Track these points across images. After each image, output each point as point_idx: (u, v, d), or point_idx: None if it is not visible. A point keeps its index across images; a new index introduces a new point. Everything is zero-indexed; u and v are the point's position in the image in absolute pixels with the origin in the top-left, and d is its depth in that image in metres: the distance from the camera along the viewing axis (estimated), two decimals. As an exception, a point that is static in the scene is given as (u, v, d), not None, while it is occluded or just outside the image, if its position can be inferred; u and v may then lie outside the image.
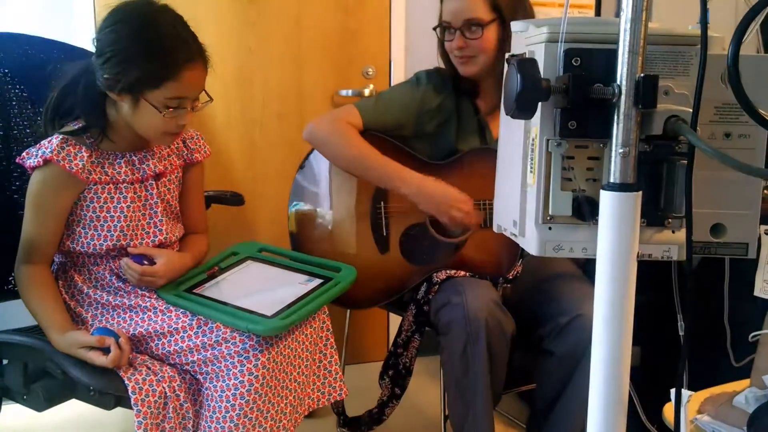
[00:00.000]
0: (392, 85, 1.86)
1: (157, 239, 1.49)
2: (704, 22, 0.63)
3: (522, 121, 0.74)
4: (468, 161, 1.73)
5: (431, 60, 2.61)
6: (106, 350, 1.28)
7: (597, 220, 0.68)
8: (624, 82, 0.64)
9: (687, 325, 0.74)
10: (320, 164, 1.80)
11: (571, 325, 1.59)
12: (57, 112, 1.40)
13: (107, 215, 1.42)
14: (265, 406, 1.34)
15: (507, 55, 0.82)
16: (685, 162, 0.66)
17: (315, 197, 1.80)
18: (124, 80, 1.30)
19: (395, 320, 2.77)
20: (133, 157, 1.45)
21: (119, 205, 1.43)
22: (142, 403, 1.27)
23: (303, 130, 1.74)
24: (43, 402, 1.44)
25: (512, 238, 0.81)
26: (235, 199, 1.91)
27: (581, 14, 3.02)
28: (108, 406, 1.41)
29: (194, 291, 1.47)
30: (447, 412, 1.72)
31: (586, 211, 0.69)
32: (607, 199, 0.66)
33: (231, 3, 2.35)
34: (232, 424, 1.31)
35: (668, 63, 0.69)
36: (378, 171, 1.67)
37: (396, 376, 1.71)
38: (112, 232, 1.42)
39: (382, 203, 1.74)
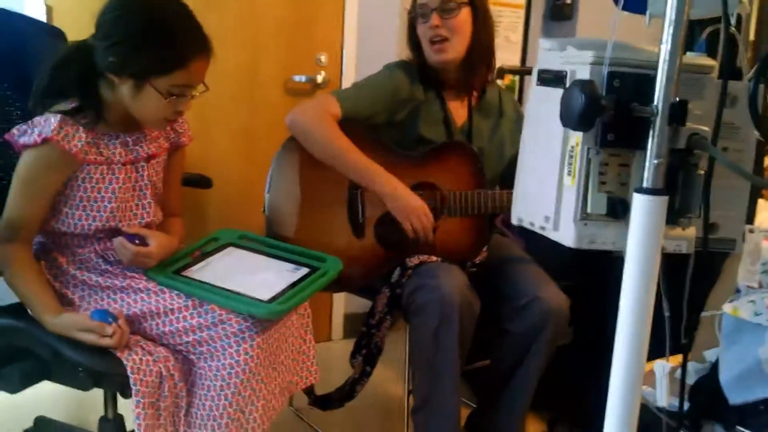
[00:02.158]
0: (367, 76, 1.92)
1: (144, 221, 1.50)
2: (727, 58, 0.77)
3: (560, 128, 0.85)
4: (441, 154, 1.84)
5: (383, 49, 2.70)
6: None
7: (627, 219, 0.81)
8: (661, 104, 0.77)
9: (688, 313, 0.88)
10: (298, 150, 1.83)
11: (529, 307, 1.74)
12: (48, 92, 1.38)
13: (98, 196, 1.42)
14: (258, 385, 1.39)
15: (538, 68, 0.93)
16: (702, 172, 0.80)
17: (293, 182, 1.83)
18: (133, 65, 1.31)
19: (339, 304, 2.86)
20: (128, 138, 1.46)
21: (111, 186, 1.43)
22: (140, 383, 1.29)
23: (286, 116, 1.78)
24: (17, 383, 1.42)
25: (539, 230, 0.92)
26: (203, 182, 1.92)
27: (513, 12, 3.21)
28: (87, 387, 1.42)
29: (182, 273, 1.49)
30: (411, 388, 1.84)
31: (619, 210, 0.82)
32: (639, 201, 0.79)
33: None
34: (226, 402, 1.36)
35: (687, 87, 0.82)
36: (353, 166, 1.74)
37: (368, 355, 1.80)
38: (102, 213, 1.42)
39: (359, 190, 1.81)
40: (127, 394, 1.38)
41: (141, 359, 1.31)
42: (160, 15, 1.36)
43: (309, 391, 1.92)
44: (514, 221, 0.99)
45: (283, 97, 2.56)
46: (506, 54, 3.08)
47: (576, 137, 0.83)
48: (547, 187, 0.88)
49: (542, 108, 0.91)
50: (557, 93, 0.86)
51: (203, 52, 1.38)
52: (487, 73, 1.91)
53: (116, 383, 1.39)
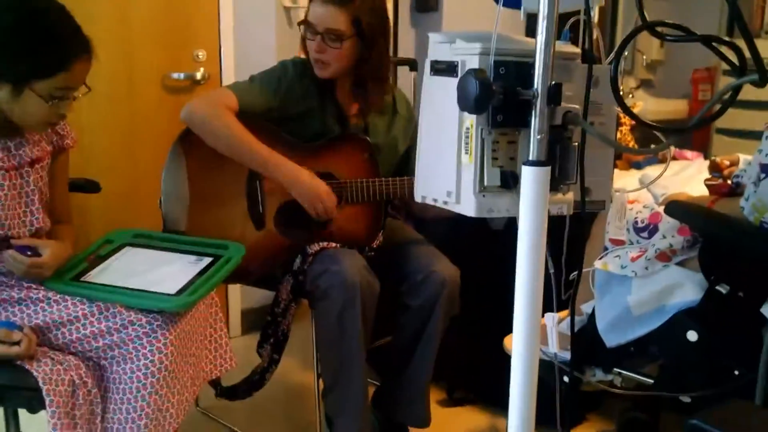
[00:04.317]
0: (261, 71, 1.93)
1: (34, 228, 1.45)
2: (590, 49, 0.90)
3: (455, 113, 0.96)
4: (337, 145, 1.90)
5: (262, 43, 2.72)
6: (9, 344, 1.25)
7: (517, 188, 0.93)
8: (540, 88, 0.89)
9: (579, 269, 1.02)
10: (191, 145, 1.83)
11: (426, 281, 1.86)
12: None
13: None
14: (172, 381, 1.40)
15: (430, 59, 1.03)
16: (576, 144, 0.94)
17: (187, 177, 1.82)
18: (12, 69, 1.27)
19: (235, 300, 2.85)
20: (9, 144, 1.40)
21: None
22: (54, 392, 1.27)
23: (181, 110, 1.78)
24: None
25: (441, 205, 1.03)
26: (90, 186, 1.86)
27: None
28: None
29: (82, 279, 1.46)
30: (319, 371, 1.90)
31: (510, 182, 0.93)
32: (527, 172, 0.91)
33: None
34: (144, 403, 1.36)
35: (559, 72, 0.95)
36: (255, 156, 1.77)
37: (276, 343, 1.84)
38: (-11, 223, 1.36)
39: (257, 182, 1.84)
40: (35, 409, 1.35)
41: (51, 369, 1.28)
42: (38, 17, 1.32)
43: (215, 383, 1.92)
44: (418, 199, 1.08)
45: (161, 94, 2.51)
46: (378, 45, 3.18)
47: (470, 120, 0.94)
48: (447, 165, 0.98)
49: (437, 95, 1.01)
50: (450, 81, 0.96)
51: (85, 54, 1.36)
52: (380, 85, 1.91)
53: (22, 398, 1.35)
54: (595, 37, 1.05)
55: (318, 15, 1.80)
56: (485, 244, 2.09)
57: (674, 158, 2.36)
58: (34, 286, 1.40)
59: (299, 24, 1.87)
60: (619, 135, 2.39)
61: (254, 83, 1.88)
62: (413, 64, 2.79)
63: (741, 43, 0.90)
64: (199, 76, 2.55)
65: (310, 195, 1.79)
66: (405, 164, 2.04)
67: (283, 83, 1.87)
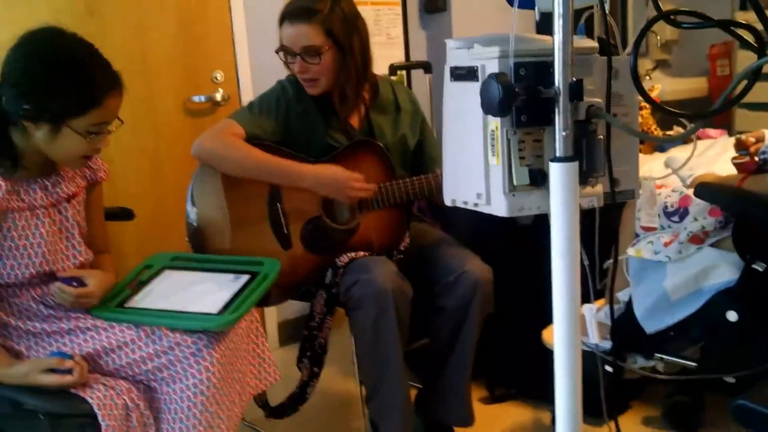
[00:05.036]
0: (259, 94, 1.97)
1: (77, 261, 1.50)
2: (608, 42, 0.92)
3: (478, 117, 0.97)
4: (348, 155, 1.91)
5: (275, 63, 2.75)
6: (62, 373, 1.30)
7: (546, 185, 0.94)
8: (561, 85, 0.90)
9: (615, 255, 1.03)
10: (210, 178, 1.87)
11: (458, 282, 1.87)
12: None
13: (26, 242, 1.41)
14: (222, 398, 1.44)
15: (449, 66, 1.04)
16: (602, 137, 0.95)
17: (211, 210, 1.86)
18: (49, 109, 1.32)
19: (271, 313, 2.89)
20: (46, 182, 1.45)
21: (38, 231, 1.42)
22: (109, 417, 1.31)
23: (191, 148, 1.82)
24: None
25: (472, 207, 1.04)
26: (125, 214, 1.91)
27: (390, 9, 3.35)
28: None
29: (126, 305, 1.50)
30: (360, 378, 1.93)
31: (539, 179, 0.95)
32: (555, 169, 0.92)
33: (70, 15, 2.29)
34: (196, 421, 1.39)
35: (578, 67, 0.96)
36: (275, 170, 1.81)
37: (314, 356, 1.87)
38: (34, 259, 1.41)
39: (278, 204, 1.87)
40: (90, 434, 1.38)
41: (105, 395, 1.32)
42: (69, 57, 1.37)
43: (264, 404, 1.95)
44: (448, 203, 1.10)
45: (183, 118, 2.57)
46: (390, 51, 3.20)
47: (495, 122, 0.96)
48: (476, 168, 1.00)
49: (459, 100, 1.03)
50: (471, 86, 0.98)
51: (116, 88, 1.41)
52: (362, 83, 1.91)
53: (75, 425, 1.39)
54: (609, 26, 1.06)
55: (291, 36, 1.81)
56: (515, 240, 2.10)
57: (698, 138, 2.35)
58: (81, 316, 1.45)
59: (276, 51, 1.86)
60: (640, 119, 2.38)
61: (254, 108, 1.91)
62: (427, 67, 2.80)
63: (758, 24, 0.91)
64: (219, 97, 2.60)
65: (337, 185, 1.81)
66: (419, 160, 2.04)
67: (282, 103, 1.90)
